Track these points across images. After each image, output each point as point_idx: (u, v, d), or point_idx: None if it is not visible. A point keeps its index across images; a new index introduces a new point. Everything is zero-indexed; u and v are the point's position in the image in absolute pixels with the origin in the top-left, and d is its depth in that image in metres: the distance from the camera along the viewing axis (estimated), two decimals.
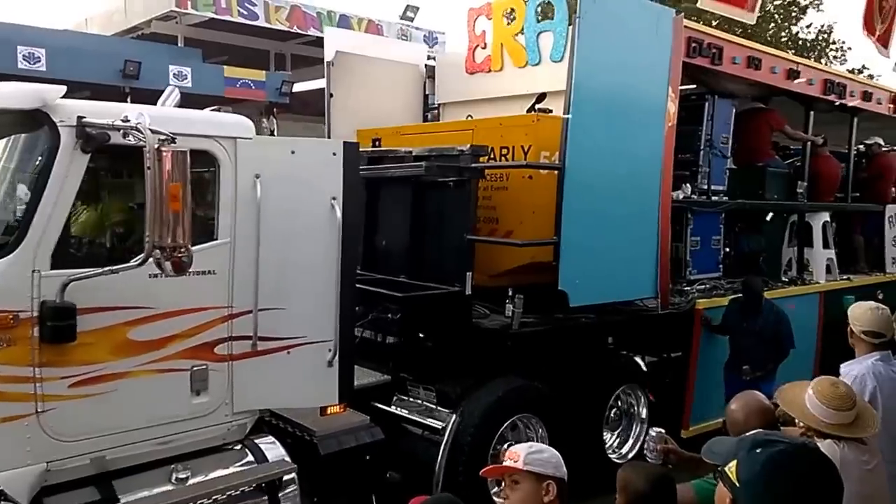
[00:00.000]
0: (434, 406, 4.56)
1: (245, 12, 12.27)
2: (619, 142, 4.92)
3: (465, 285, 4.70)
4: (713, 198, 6.43)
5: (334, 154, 3.58)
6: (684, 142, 6.38)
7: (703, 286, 6.33)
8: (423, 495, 2.80)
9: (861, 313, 3.50)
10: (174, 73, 10.59)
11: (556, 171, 4.66)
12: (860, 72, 23.71)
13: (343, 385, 3.70)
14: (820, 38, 24.03)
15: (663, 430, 3.08)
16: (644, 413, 5.90)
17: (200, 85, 10.91)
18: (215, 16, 12.11)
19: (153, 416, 3.27)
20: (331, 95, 6.36)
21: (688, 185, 6.26)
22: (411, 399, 4.73)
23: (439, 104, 6.93)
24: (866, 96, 7.77)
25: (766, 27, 22.99)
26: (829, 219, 7.90)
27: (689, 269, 6.28)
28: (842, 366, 3.55)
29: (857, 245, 8.92)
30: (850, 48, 23.32)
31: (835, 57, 24.22)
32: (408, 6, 14.72)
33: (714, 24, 21.51)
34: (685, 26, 5.35)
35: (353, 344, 3.82)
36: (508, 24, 6.19)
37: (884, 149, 8.94)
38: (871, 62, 23.18)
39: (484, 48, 6.36)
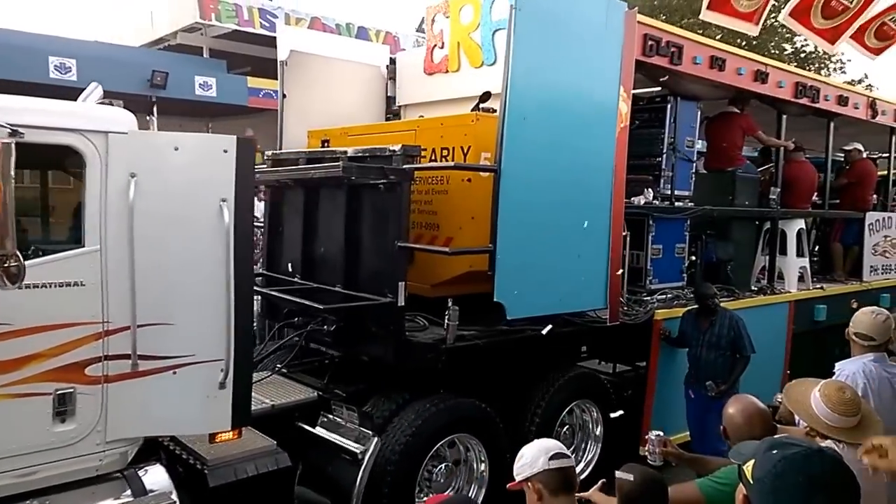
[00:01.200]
0: (356, 427, 4.12)
1: (267, 24, 12.57)
2: (564, 143, 4.49)
3: (397, 296, 4.27)
4: (677, 203, 5.99)
5: (225, 151, 3.15)
6: (646, 145, 5.98)
7: (664, 296, 5.89)
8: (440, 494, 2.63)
9: (858, 316, 3.64)
10: (199, 84, 11.05)
11: (492, 174, 4.22)
12: (860, 82, 23.47)
13: (238, 409, 3.27)
14: (820, 49, 23.69)
15: (662, 433, 3.08)
16: (599, 430, 5.47)
17: (225, 95, 11.35)
18: (238, 27, 12.43)
19: (9, 445, 2.85)
20: (284, 96, 5.94)
21: (650, 190, 5.83)
22: (337, 419, 4.30)
23: (400, 106, 6.51)
24: (842, 100, 7.32)
25: (769, 40, 22.77)
26: (804, 226, 7.45)
27: (649, 278, 5.84)
28: (837, 364, 3.64)
29: (835, 253, 8.49)
30: (849, 60, 23.03)
31: (836, 69, 23.96)
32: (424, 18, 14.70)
33: (718, 37, 21.50)
34: (640, 22, 4.92)
35: (250, 362, 3.41)
36: (465, 22, 5.77)
37: (863, 155, 8.51)
38: (871, 73, 23.01)
39: (442, 48, 5.92)
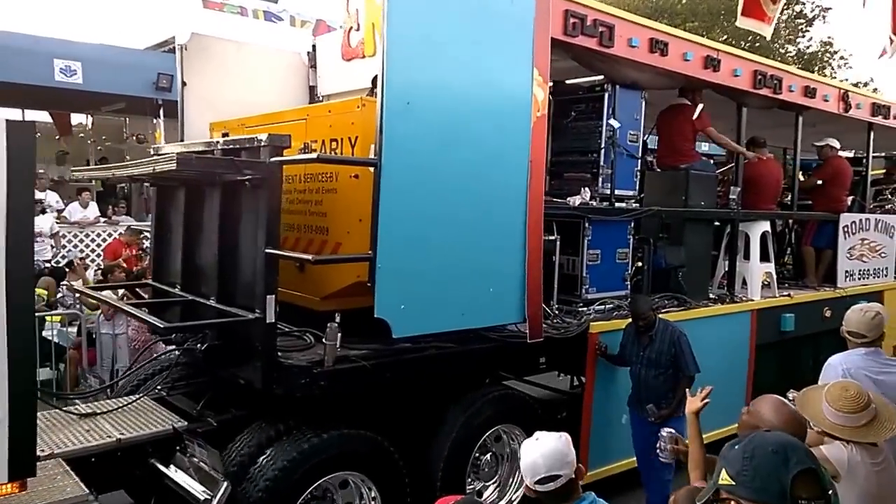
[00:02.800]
0: (209, 468, 3.49)
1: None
2: (464, 134, 3.87)
3: (265, 311, 3.65)
4: (618, 204, 5.36)
5: None
6: (584, 140, 5.36)
7: (603, 306, 5.27)
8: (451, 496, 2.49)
9: (849, 314, 3.75)
10: None
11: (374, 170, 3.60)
12: (865, 85, 23.08)
13: (17, 456, 2.64)
14: (823, 49, 23.41)
15: (674, 430, 3.06)
16: None
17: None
18: None
19: None
20: (184, 84, 5.33)
21: (586, 189, 5.21)
22: (192, 457, 3.66)
23: (322, 96, 5.90)
24: (809, 92, 6.69)
25: (773, 42, 22.45)
26: (769, 228, 6.82)
27: (585, 286, 5.21)
28: (830, 358, 3.73)
29: (807, 257, 7.84)
30: (850, 54, 22.69)
31: (840, 66, 23.66)
32: None
33: (722, 38, 21.16)
34: None
35: (31, 394, 2.77)
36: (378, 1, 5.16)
37: (836, 151, 7.88)
38: (876, 73, 22.81)
39: (358, 30, 5.32)
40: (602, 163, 5.21)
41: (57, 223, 10.25)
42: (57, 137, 14.11)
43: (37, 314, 6.29)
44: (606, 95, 5.18)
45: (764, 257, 6.84)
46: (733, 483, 1.69)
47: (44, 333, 6.62)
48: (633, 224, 5.48)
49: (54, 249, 9.87)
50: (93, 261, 10.27)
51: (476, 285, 4.02)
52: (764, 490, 1.66)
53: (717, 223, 6.58)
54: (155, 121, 10.46)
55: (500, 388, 4.78)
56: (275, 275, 3.68)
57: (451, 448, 4.29)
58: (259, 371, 3.68)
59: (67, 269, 8.63)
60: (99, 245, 10.77)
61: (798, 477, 1.66)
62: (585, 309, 5.18)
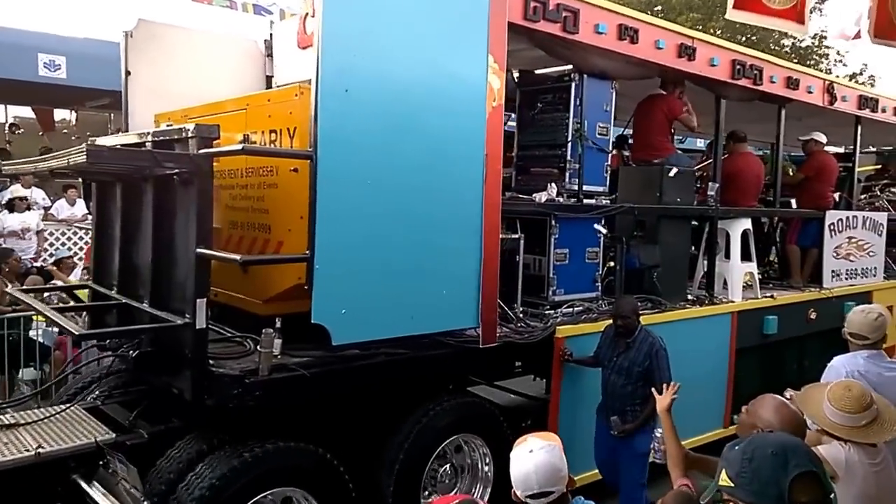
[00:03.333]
0: (129, 486, 3.23)
1: None
2: (412, 125, 3.61)
3: (195, 316, 3.38)
4: (587, 201, 5.11)
5: None
6: (550, 133, 5.11)
7: (571, 309, 5.02)
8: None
9: (851, 316, 3.75)
10: None
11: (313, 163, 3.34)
12: (860, 75, 22.99)
13: None
14: (818, 42, 23.33)
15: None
16: (490, 470, 4.58)
17: None
18: None
19: None
20: (128, 73, 5.06)
21: (553, 185, 4.96)
22: (116, 472, 3.40)
23: (278, 86, 5.64)
24: (791, 83, 6.46)
25: (768, 36, 22.36)
26: (750, 226, 6.58)
27: (552, 288, 4.96)
28: (833, 360, 3.77)
29: (792, 256, 7.60)
30: (847, 51, 22.62)
31: (837, 61, 23.55)
32: None
33: (718, 32, 21.00)
34: None
35: None
36: None
37: (822, 146, 7.65)
38: (870, 63, 22.84)
39: (314, 16, 5.06)
40: (569, 157, 4.96)
41: (43, 221, 10.03)
42: (40, 133, 13.86)
43: (24, 314, 6.09)
44: (573, 85, 4.93)
45: (746, 257, 6.61)
46: (732, 485, 1.67)
47: (30, 333, 6.39)
48: (604, 222, 5.23)
49: (37, 247, 9.66)
50: (80, 259, 10.04)
51: (427, 288, 3.76)
52: (762, 493, 1.64)
53: (695, 221, 6.34)
54: None
55: (459, 396, 4.52)
56: (206, 277, 3.43)
57: (403, 461, 4.03)
58: (189, 380, 3.42)
59: (54, 268, 8.35)
60: (87, 243, 10.55)
61: (797, 480, 1.63)
62: (552, 312, 4.93)
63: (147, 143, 3.73)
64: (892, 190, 9.84)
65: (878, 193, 9.47)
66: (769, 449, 1.69)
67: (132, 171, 3.69)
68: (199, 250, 3.36)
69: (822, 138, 7.55)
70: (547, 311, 4.91)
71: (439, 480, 4.38)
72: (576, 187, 5.01)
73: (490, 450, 4.52)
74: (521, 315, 4.75)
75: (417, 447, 4.12)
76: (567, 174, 4.97)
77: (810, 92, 6.71)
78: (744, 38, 21.79)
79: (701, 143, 12.79)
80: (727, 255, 6.48)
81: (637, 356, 4.47)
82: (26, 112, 13.48)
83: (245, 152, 3.45)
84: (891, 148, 12.51)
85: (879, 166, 12.09)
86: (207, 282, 3.43)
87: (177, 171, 3.37)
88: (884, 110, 7.89)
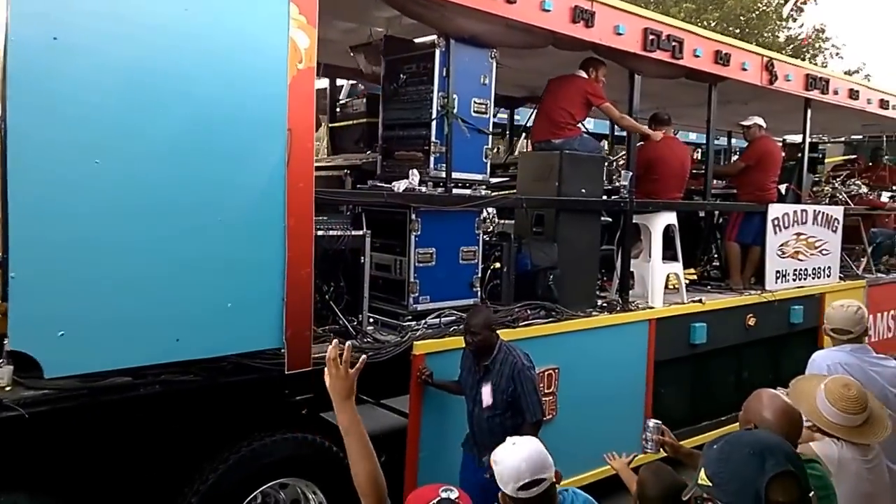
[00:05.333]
0: None
1: None
2: (168, 90, 2.81)
3: None
4: (460, 191, 4.33)
5: None
6: (414, 109, 4.34)
7: (438, 319, 4.24)
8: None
9: (830, 312, 3.75)
10: None
11: None
12: (857, 72, 22.58)
13: None
14: (816, 36, 22.95)
15: (660, 422, 3.06)
16: None
17: None
18: None
19: None
20: None
21: (415, 171, 4.18)
22: None
23: None
24: (721, 58, 5.70)
25: (762, 26, 21.94)
26: (675, 221, 5.82)
27: (414, 294, 4.18)
28: (814, 354, 3.74)
29: (731, 255, 6.86)
30: (844, 44, 22.43)
31: (833, 55, 23.25)
32: None
33: (713, 24, 20.52)
34: None
35: None
36: None
37: (764, 131, 6.91)
38: (868, 60, 22.82)
39: None
40: (434, 138, 4.18)
41: None
42: None
43: None
44: (438, 53, 4.14)
45: (671, 255, 5.87)
46: (710, 484, 1.67)
47: None
48: (482, 217, 4.47)
49: None
50: None
51: (199, 301, 2.96)
52: (740, 493, 1.63)
53: (608, 216, 5.60)
54: None
55: (280, 433, 3.64)
56: None
57: None
58: None
59: None
60: None
61: (774, 480, 1.63)
62: (414, 323, 4.15)
63: None
64: (855, 182, 9.14)
65: (838, 186, 8.76)
66: (746, 448, 1.68)
67: None
68: None
69: (763, 122, 6.80)
70: (407, 323, 4.13)
71: None
72: (444, 174, 4.22)
73: (326, 499, 3.73)
74: (369, 328, 3.98)
75: (217, 499, 3.32)
76: (432, 159, 4.19)
77: (745, 69, 5.96)
78: (738, 31, 21.38)
79: (694, 136, 12.11)
80: (651, 254, 5.74)
81: (498, 380, 3.71)
82: None
83: None
84: (860, 137, 11.90)
85: (852, 157, 11.46)
86: None
87: None
88: (836, 92, 7.16)
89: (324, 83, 6.05)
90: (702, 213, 7.13)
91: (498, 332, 3.91)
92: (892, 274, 8.80)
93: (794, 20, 23.22)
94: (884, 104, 8.03)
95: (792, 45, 22.62)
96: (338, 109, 6.07)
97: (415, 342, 3.96)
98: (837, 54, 23.29)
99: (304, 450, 3.64)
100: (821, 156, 12.52)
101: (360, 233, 3.86)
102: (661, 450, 3.02)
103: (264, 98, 3.08)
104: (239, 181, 3.04)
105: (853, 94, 7.42)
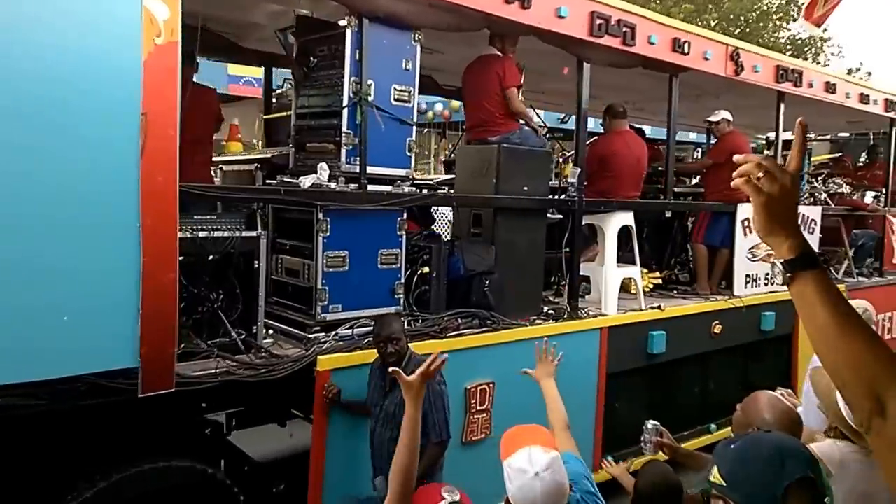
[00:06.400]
0: None
1: None
2: None
3: None
4: (377, 187, 3.88)
5: None
6: (326, 96, 3.89)
7: (351, 331, 3.79)
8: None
9: None
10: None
11: None
12: (857, 71, 22.25)
13: None
14: (816, 37, 22.68)
15: (658, 424, 3.05)
16: None
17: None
18: None
19: None
20: None
21: (324, 165, 3.73)
22: None
23: None
24: (679, 47, 5.25)
25: (764, 26, 21.60)
26: (632, 222, 5.37)
27: (323, 303, 3.72)
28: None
29: (698, 257, 6.42)
30: (844, 45, 22.28)
31: (833, 54, 23.00)
32: None
33: (714, 24, 20.22)
34: None
35: None
36: None
37: (731, 126, 6.47)
38: (867, 60, 22.77)
39: None
40: (345, 128, 3.72)
41: None
42: None
43: None
44: (350, 33, 3.69)
45: (629, 258, 5.42)
46: (724, 484, 1.62)
47: None
48: (406, 216, 4.02)
49: None
50: None
51: (26, 313, 2.50)
52: (755, 496, 1.59)
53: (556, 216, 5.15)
54: None
55: (150, 462, 3.15)
56: None
57: None
58: None
59: None
60: None
61: (792, 486, 1.57)
62: (323, 335, 3.70)
63: None
64: (836, 181, 8.69)
65: (818, 185, 8.31)
66: (766, 451, 1.63)
67: None
68: None
69: (730, 117, 6.36)
70: (314, 335, 3.68)
71: None
72: (355, 168, 3.76)
73: None
74: (267, 341, 3.53)
75: None
76: (344, 151, 3.73)
77: (707, 59, 5.51)
78: (738, 31, 21.04)
79: (694, 136, 11.66)
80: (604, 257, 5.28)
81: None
82: None
83: None
84: (847, 135, 11.45)
85: (837, 155, 11.00)
86: None
87: None
88: (810, 85, 6.71)
89: (259, 72, 5.62)
90: (668, 214, 6.68)
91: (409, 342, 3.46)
92: (875, 277, 8.37)
93: (796, 20, 22.94)
94: (864, 99, 7.57)
95: (793, 46, 22.31)
96: (274, 100, 5.63)
97: (319, 356, 3.50)
98: (839, 52, 23.02)
99: (183, 479, 3.19)
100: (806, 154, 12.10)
101: (254, 234, 3.40)
102: (661, 452, 3.02)
103: (111, 77, 2.63)
104: (78, 174, 2.59)
105: (830, 88, 6.97)
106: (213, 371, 3.16)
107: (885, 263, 8.52)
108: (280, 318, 3.96)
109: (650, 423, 3.10)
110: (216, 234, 3.21)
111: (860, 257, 8.41)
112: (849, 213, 8.18)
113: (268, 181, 4.13)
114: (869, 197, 9.27)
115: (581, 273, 5.33)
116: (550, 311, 4.84)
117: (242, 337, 3.37)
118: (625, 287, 5.57)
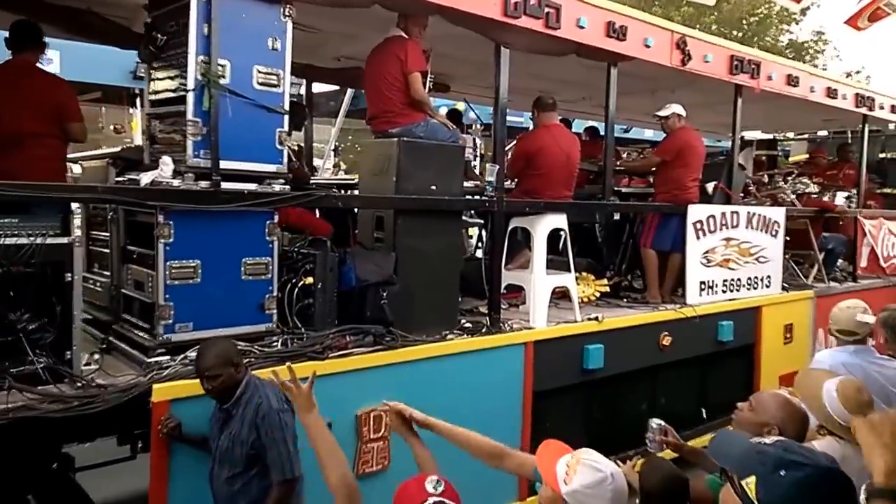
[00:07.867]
0: None
1: None
2: None
3: None
4: (233, 185, 3.25)
5: None
6: (173, 78, 3.27)
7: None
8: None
9: (836, 313, 3.70)
10: None
11: None
12: (857, 73, 21.87)
13: None
14: (816, 39, 22.27)
15: (663, 422, 2.99)
16: None
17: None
18: None
19: None
20: None
21: (167, 159, 3.11)
22: None
23: None
24: (615, 32, 4.62)
25: (765, 30, 21.16)
26: (565, 224, 4.73)
27: (166, 321, 3.08)
28: (816, 355, 3.86)
29: (647, 263, 5.78)
30: (843, 49, 21.99)
31: (833, 57, 22.67)
32: None
33: (713, 27, 19.74)
34: None
35: None
36: None
37: (683, 121, 5.84)
38: (868, 62, 22.54)
39: None
40: (192, 116, 3.09)
41: None
42: None
43: None
44: (196, 4, 3.07)
45: (559, 264, 4.78)
46: (755, 502, 1.46)
47: None
48: (275, 219, 3.39)
49: None
50: None
51: None
52: None
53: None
54: (131, 110, 10.01)
55: None
56: None
57: None
58: None
59: None
60: None
61: None
62: (167, 359, 3.06)
63: None
64: (803, 181, 8.05)
65: (782, 185, 7.68)
66: (809, 484, 1.45)
67: None
68: None
69: (682, 111, 5.74)
70: (155, 359, 3.04)
71: None
72: (209, 163, 3.13)
73: None
74: (88, 367, 2.89)
75: None
76: (190, 143, 3.10)
77: (648, 46, 4.89)
78: (739, 35, 20.57)
79: (650, 134, 11.07)
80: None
81: (241, 429, 2.65)
82: None
83: None
84: (825, 134, 10.87)
85: (808, 154, 10.41)
86: None
87: None
88: (770, 77, 6.09)
89: None
90: (616, 216, 6.06)
91: (244, 366, 2.83)
92: (848, 283, 7.73)
93: (797, 23, 22.53)
94: (831, 93, 6.95)
95: (792, 48, 21.88)
96: None
97: (155, 385, 2.87)
98: (838, 56, 22.68)
99: None
100: (782, 154, 11.52)
101: (64, 241, 2.76)
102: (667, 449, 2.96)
103: None
104: None
105: (792, 81, 6.35)
106: (2, 407, 2.52)
107: (858, 267, 7.89)
108: (128, 340, 3.33)
109: (654, 422, 3.02)
110: (9, 241, 2.57)
111: (830, 261, 7.77)
112: (817, 214, 7.54)
113: (117, 179, 3.49)
114: (841, 198, 8.62)
115: (511, 282, 4.72)
116: (467, 325, 4.21)
117: (51, 364, 2.72)
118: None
